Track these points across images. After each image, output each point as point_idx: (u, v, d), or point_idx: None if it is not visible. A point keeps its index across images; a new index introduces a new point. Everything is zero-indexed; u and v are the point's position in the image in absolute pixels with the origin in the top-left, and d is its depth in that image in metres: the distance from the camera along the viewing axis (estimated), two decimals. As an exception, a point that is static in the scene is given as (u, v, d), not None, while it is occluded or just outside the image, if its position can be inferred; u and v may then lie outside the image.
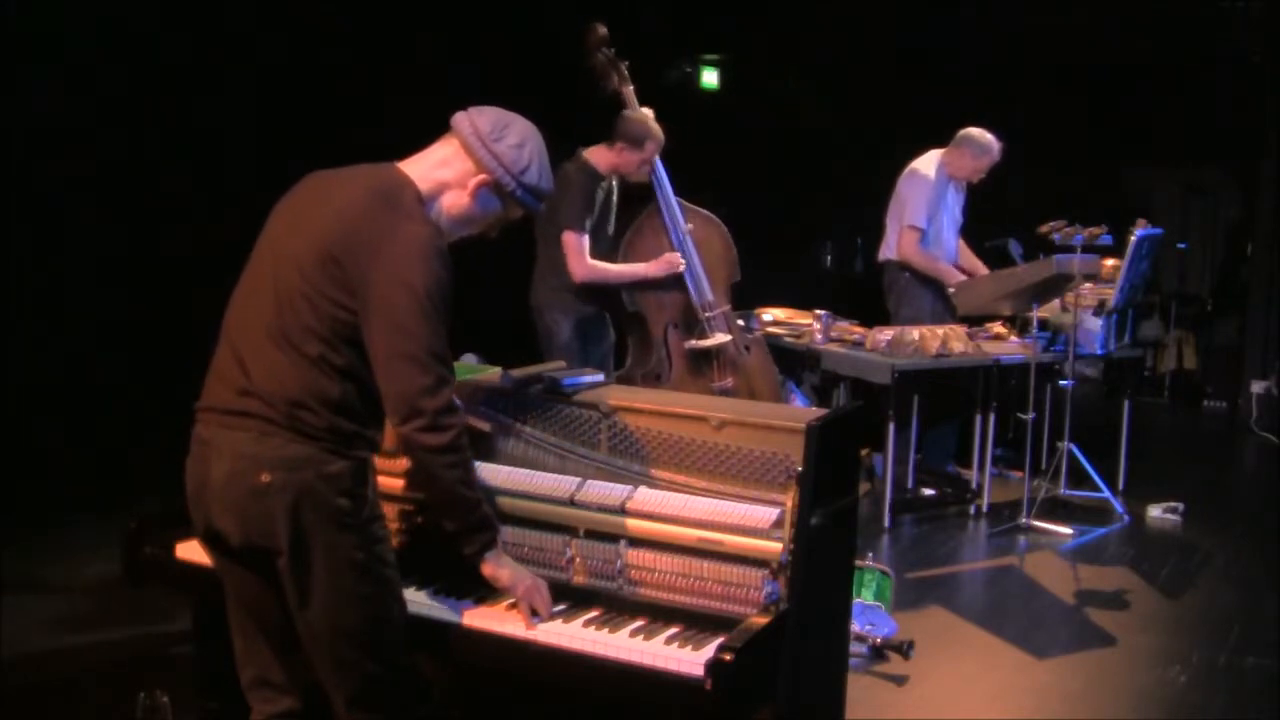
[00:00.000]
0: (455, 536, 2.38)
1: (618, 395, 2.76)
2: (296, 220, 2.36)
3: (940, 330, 5.67)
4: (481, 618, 2.45)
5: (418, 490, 2.65)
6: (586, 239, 4.67)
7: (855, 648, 3.91)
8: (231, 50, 6.13)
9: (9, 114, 5.44)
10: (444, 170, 2.39)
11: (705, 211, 4.98)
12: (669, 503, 2.52)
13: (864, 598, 4.16)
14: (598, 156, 4.76)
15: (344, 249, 2.25)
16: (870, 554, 4.41)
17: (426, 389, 2.23)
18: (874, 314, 6.29)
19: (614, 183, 4.85)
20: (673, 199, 4.86)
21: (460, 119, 2.41)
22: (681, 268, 4.74)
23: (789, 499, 2.40)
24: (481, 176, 2.38)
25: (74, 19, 5.62)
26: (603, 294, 4.81)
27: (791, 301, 6.66)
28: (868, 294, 6.81)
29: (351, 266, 2.24)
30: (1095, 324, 6.05)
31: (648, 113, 4.80)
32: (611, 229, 4.87)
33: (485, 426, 2.75)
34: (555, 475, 2.65)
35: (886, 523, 5.71)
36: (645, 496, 2.54)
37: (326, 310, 2.26)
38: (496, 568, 2.40)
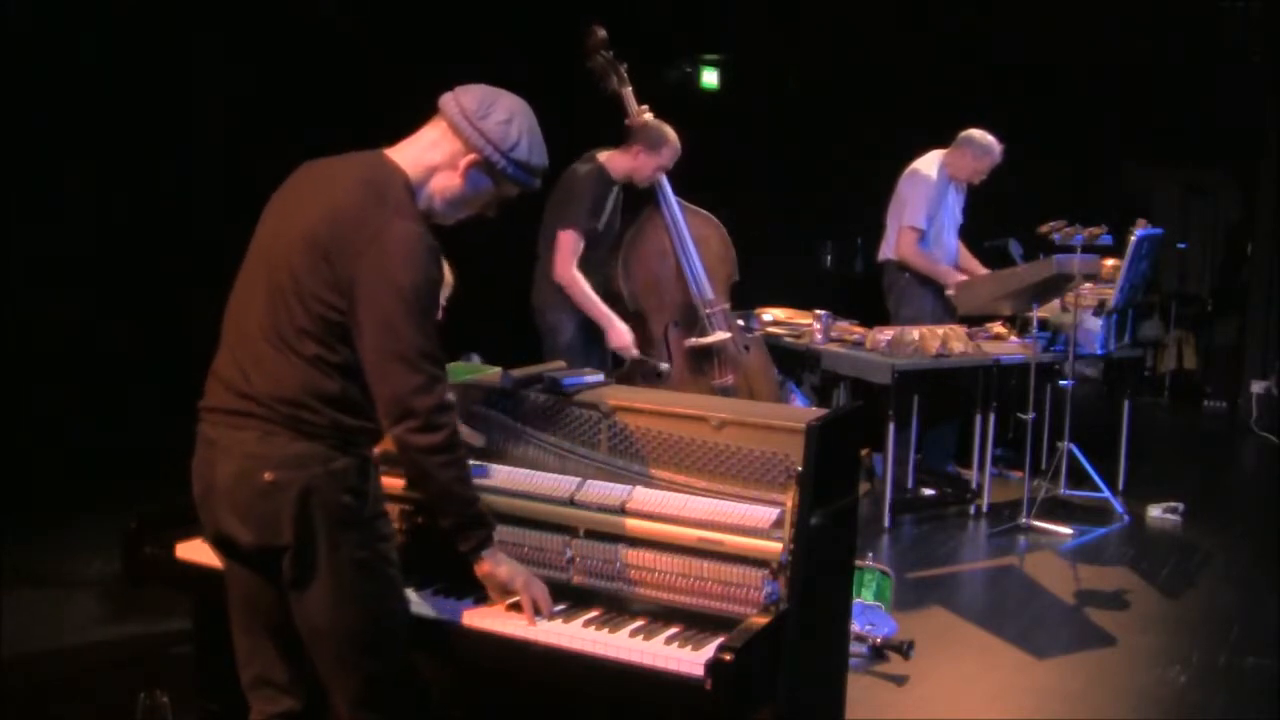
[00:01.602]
0: (451, 534, 2.38)
1: (618, 395, 2.76)
2: (289, 216, 2.34)
3: (940, 330, 5.67)
4: (481, 618, 2.44)
5: (416, 489, 2.65)
6: (581, 242, 4.66)
7: (855, 648, 3.91)
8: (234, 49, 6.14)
9: (8, 105, 5.45)
10: (433, 153, 2.36)
11: (703, 211, 4.99)
12: (669, 503, 2.52)
13: (864, 598, 4.16)
14: (614, 161, 4.76)
15: (333, 247, 2.24)
16: (870, 554, 4.41)
17: (418, 389, 2.22)
18: (874, 314, 6.29)
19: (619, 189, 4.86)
20: (672, 198, 4.87)
21: (446, 99, 2.38)
22: (633, 355, 4.71)
23: (789, 499, 2.39)
24: (471, 156, 2.34)
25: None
26: (605, 294, 4.81)
27: (791, 301, 6.66)
28: (868, 294, 6.81)
29: (340, 265, 2.23)
30: (1095, 324, 6.05)
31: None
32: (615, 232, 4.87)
33: (477, 441, 2.71)
34: (555, 475, 2.65)
35: (886, 523, 5.70)
36: (645, 496, 2.54)
37: (317, 310, 2.25)
38: (494, 565, 2.40)
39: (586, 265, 4.73)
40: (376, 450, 2.41)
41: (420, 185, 2.35)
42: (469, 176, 2.37)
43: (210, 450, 2.33)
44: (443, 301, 3.45)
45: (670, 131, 4.75)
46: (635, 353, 4.71)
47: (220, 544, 2.39)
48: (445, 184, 2.37)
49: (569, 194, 4.66)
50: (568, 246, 4.64)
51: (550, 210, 4.74)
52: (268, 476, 2.24)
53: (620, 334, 4.68)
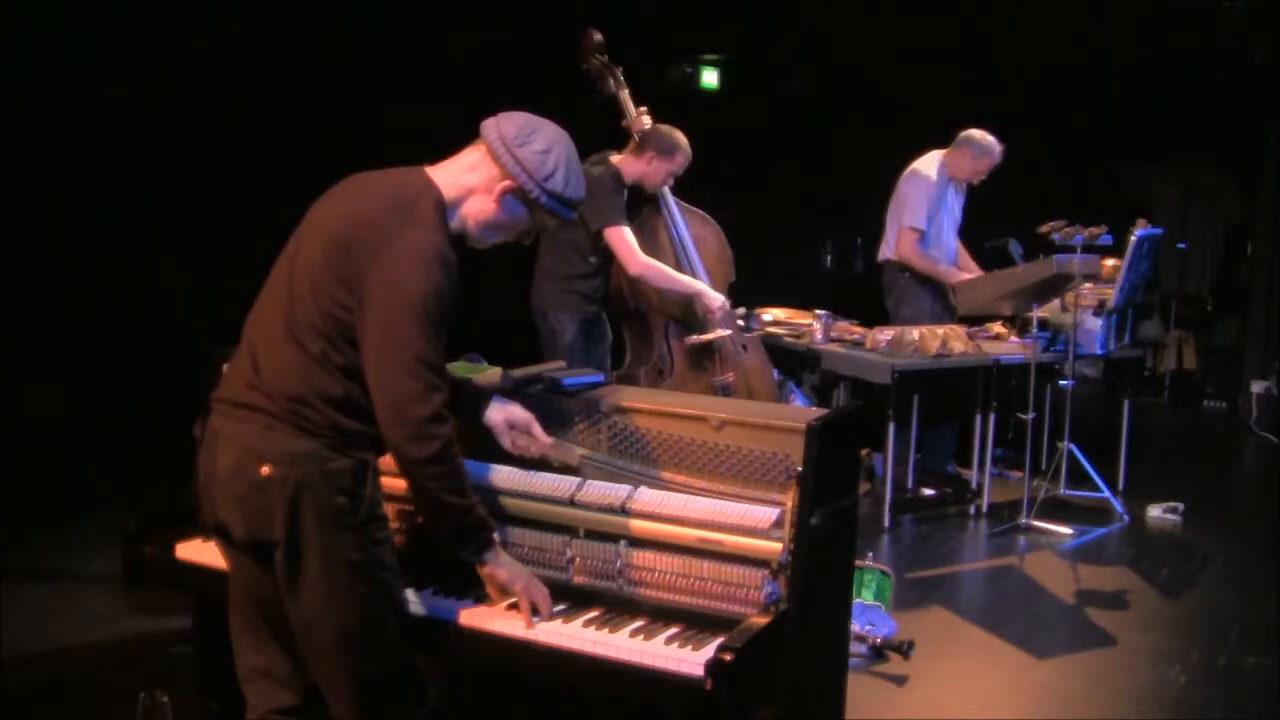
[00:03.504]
0: (450, 541, 2.39)
1: (618, 395, 2.76)
2: (319, 221, 2.38)
3: (940, 330, 5.67)
4: (481, 618, 2.45)
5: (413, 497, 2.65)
6: (631, 233, 4.65)
7: (855, 648, 3.91)
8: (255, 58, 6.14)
9: (9, 106, 5.45)
10: (471, 175, 2.39)
11: (700, 211, 5.00)
12: (669, 503, 2.52)
13: (864, 598, 4.16)
14: (626, 165, 4.76)
15: (348, 248, 2.27)
16: (870, 554, 4.41)
17: (414, 395, 2.22)
18: (874, 314, 6.30)
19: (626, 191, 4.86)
20: (670, 197, 4.87)
21: (488, 124, 2.40)
22: (720, 314, 4.75)
23: (789, 499, 2.40)
24: (506, 183, 2.36)
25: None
26: (605, 292, 4.82)
27: (791, 301, 6.66)
28: (868, 294, 6.81)
29: (353, 266, 2.25)
30: (1095, 324, 6.04)
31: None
32: None
33: (573, 459, 2.66)
34: (555, 475, 2.65)
35: (886, 523, 5.71)
36: (645, 496, 2.54)
37: (327, 307, 2.27)
38: (495, 568, 2.41)
39: (587, 265, 4.74)
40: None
41: (455, 206, 2.38)
42: (503, 203, 2.39)
43: (213, 439, 2.36)
44: None
45: (682, 137, 4.77)
46: (727, 307, 4.77)
47: (219, 533, 2.40)
48: (480, 208, 2.39)
49: (592, 195, 4.59)
50: (625, 243, 4.62)
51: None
52: (264, 470, 2.25)
53: (714, 298, 4.71)
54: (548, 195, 2.38)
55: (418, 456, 2.25)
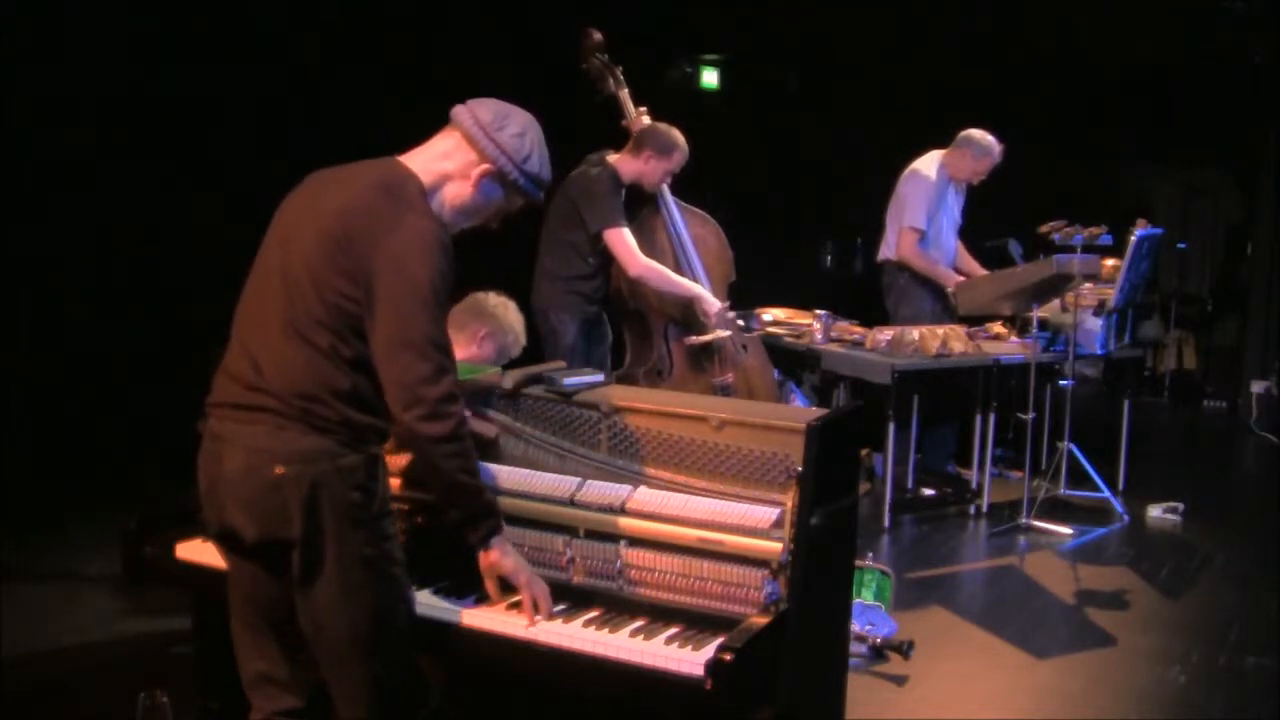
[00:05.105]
0: (459, 525, 2.39)
1: (618, 395, 2.76)
2: (302, 216, 2.38)
3: (940, 330, 5.67)
4: (482, 618, 2.45)
5: (418, 489, 2.65)
6: (630, 234, 4.66)
7: (855, 648, 3.91)
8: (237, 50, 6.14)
9: (7, 100, 5.45)
10: (446, 162, 2.41)
11: (700, 211, 5.00)
12: (669, 503, 2.52)
13: (864, 598, 4.16)
14: (624, 165, 4.76)
15: (348, 240, 2.27)
16: (870, 554, 4.41)
17: (426, 377, 2.24)
18: (874, 314, 6.30)
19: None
20: (670, 197, 4.87)
21: (461, 111, 2.44)
22: (719, 317, 4.75)
23: (789, 499, 2.40)
24: (484, 166, 2.40)
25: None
26: (606, 293, 4.82)
27: (791, 301, 6.66)
28: (868, 294, 6.81)
29: (355, 257, 2.26)
30: (1095, 324, 6.05)
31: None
32: None
33: (490, 432, 2.75)
34: (555, 475, 2.65)
35: (886, 523, 5.71)
36: (645, 496, 2.55)
37: (332, 301, 2.28)
38: (501, 556, 2.42)
39: (587, 266, 4.74)
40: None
41: (432, 192, 2.40)
42: (481, 186, 2.42)
43: (217, 444, 2.35)
44: (513, 353, 3.47)
45: (679, 136, 4.77)
46: (728, 314, 4.76)
47: (224, 539, 2.40)
48: (457, 193, 2.42)
49: (591, 196, 4.64)
50: (625, 244, 4.63)
51: (564, 215, 4.71)
52: (278, 470, 2.26)
53: (712, 302, 4.72)
54: (525, 177, 2.43)
55: (433, 435, 2.26)
